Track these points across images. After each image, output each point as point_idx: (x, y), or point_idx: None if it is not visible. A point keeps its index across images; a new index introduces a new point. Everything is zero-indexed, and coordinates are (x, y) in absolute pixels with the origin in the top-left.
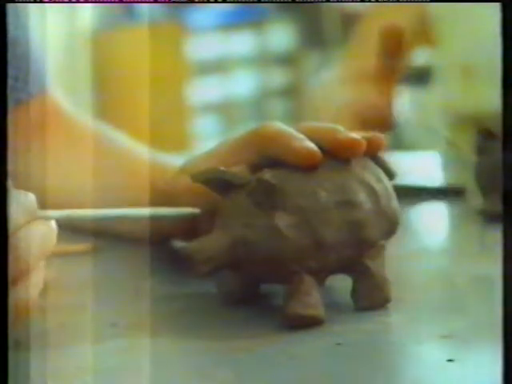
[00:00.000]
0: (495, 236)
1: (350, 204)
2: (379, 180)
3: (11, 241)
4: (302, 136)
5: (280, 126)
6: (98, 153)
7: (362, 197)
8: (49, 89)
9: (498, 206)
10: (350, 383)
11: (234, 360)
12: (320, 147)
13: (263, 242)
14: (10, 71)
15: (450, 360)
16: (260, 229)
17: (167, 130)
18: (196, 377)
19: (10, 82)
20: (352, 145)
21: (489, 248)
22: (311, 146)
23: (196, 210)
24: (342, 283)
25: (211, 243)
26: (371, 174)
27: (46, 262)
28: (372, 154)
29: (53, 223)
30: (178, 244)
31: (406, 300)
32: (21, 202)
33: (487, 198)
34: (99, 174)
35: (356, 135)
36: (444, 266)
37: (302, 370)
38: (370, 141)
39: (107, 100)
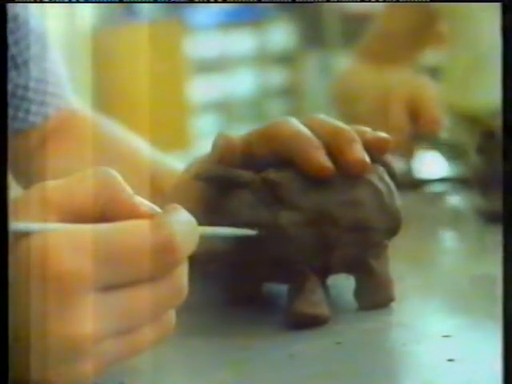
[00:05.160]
0: (495, 236)
1: (354, 203)
2: (382, 179)
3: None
4: (318, 143)
5: (297, 125)
6: (111, 158)
7: (366, 196)
8: (69, 103)
9: (498, 206)
10: (349, 382)
11: (234, 358)
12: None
13: (268, 241)
14: (25, 93)
15: (450, 360)
16: (265, 228)
17: (167, 127)
18: (196, 374)
19: (25, 105)
20: (357, 164)
21: (489, 248)
22: (326, 160)
23: (252, 232)
24: (343, 282)
25: (216, 242)
26: (374, 173)
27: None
28: (380, 154)
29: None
30: None
31: (407, 299)
32: None
33: (487, 198)
34: None
35: (363, 153)
36: (444, 266)
37: (301, 369)
38: (376, 141)
39: (107, 98)
